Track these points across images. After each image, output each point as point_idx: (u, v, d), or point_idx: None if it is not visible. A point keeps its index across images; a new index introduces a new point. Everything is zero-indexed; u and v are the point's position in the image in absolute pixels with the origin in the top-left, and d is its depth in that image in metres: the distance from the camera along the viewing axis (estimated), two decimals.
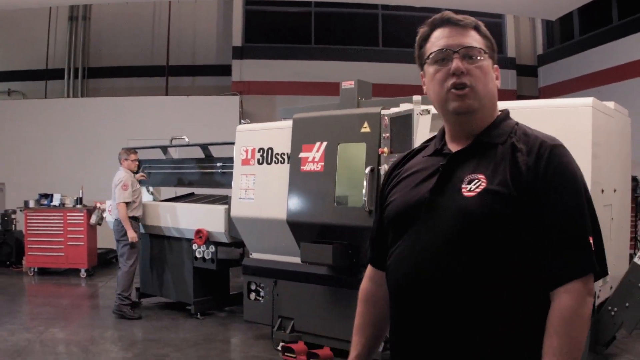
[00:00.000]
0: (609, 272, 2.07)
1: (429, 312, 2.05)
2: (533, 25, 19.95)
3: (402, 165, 2.36)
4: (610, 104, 6.44)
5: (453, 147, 2.21)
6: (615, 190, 6.28)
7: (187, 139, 10.57)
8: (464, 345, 2.00)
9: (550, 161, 2.03)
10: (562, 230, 1.99)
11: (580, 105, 5.67)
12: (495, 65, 2.22)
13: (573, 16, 17.52)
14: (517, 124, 2.20)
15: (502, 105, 2.32)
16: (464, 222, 2.03)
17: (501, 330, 1.98)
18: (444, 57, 2.13)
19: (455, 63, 2.09)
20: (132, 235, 9.25)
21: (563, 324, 1.93)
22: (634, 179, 14.07)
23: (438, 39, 2.16)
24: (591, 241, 2.00)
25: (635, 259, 6.32)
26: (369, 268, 2.48)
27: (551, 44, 19.62)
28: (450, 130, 2.23)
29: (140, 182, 10.33)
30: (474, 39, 2.15)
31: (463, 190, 2.06)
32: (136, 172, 10.01)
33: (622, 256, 6.62)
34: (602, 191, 5.60)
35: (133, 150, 9.96)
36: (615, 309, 6.27)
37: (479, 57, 2.12)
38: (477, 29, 2.17)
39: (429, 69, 2.17)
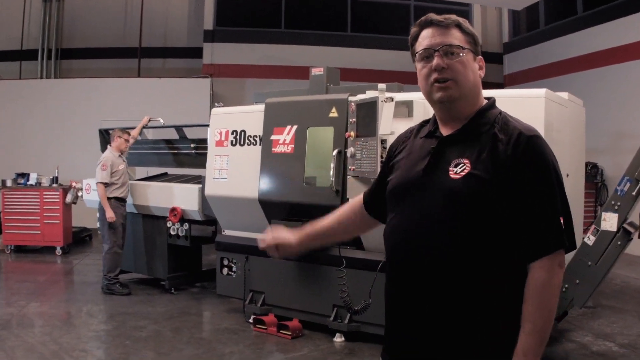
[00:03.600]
0: (576, 247, 2.39)
1: (417, 278, 2.35)
2: (500, 14, 20.17)
3: (403, 143, 2.64)
4: (564, 95, 6.73)
5: (444, 131, 2.47)
6: (567, 175, 6.61)
7: (162, 121, 10.66)
8: (448, 308, 2.28)
9: (526, 150, 2.28)
10: (535, 211, 2.26)
11: (534, 95, 6.01)
12: (479, 57, 2.47)
13: (539, 6, 17.82)
14: (500, 112, 2.45)
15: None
16: (449, 201, 2.30)
17: (480, 298, 2.26)
18: (427, 55, 2.40)
19: (436, 60, 2.37)
20: (109, 215, 9.24)
21: (536, 293, 2.23)
22: (594, 165, 14.60)
23: (423, 39, 2.43)
24: (562, 220, 2.28)
25: (585, 239, 6.62)
26: (361, 200, 2.86)
27: (517, 32, 19.89)
28: (439, 116, 2.50)
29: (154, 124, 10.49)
30: (455, 37, 2.39)
31: (450, 172, 2.32)
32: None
33: (575, 238, 6.89)
34: (567, 175, 5.93)
35: (128, 131, 9.96)
36: (567, 285, 6.49)
37: (459, 54, 2.38)
38: (459, 26, 2.42)
39: (418, 65, 2.45)
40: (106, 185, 9.38)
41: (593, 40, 15.47)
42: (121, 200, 9.59)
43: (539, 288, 2.24)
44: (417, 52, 2.46)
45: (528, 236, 2.27)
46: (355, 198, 2.89)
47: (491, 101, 2.52)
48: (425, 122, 2.63)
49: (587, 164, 13.76)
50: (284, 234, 2.89)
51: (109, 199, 9.37)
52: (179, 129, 10.46)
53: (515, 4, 17.28)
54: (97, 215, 9.65)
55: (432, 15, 2.46)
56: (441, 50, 2.38)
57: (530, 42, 18.60)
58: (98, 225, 9.78)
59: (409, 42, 2.52)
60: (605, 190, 14.69)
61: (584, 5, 16.31)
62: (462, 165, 2.32)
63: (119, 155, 9.69)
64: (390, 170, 2.63)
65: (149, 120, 10.60)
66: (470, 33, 2.46)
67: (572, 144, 6.88)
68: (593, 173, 14.72)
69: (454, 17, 2.45)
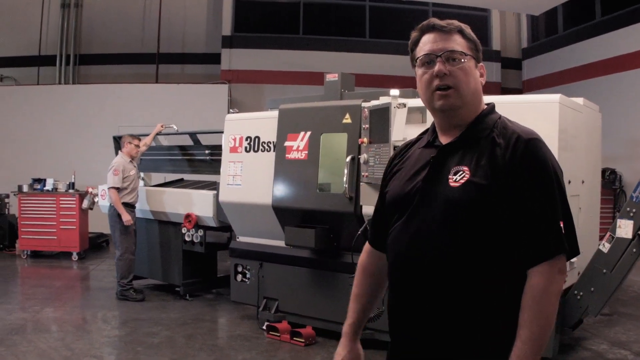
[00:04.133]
0: (580, 252, 2.32)
1: (419, 285, 2.33)
2: (518, 19, 20.10)
3: (401, 155, 2.61)
4: (580, 100, 6.68)
5: (443, 140, 2.44)
6: (583, 182, 6.52)
7: (175, 127, 10.67)
8: (448, 311, 2.26)
9: (524, 154, 2.24)
10: (534, 216, 2.22)
11: (548, 101, 5.96)
12: (480, 64, 2.45)
13: (557, 11, 17.76)
14: (499, 117, 2.42)
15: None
16: (450, 209, 2.28)
17: (480, 299, 2.24)
18: (429, 60, 2.37)
19: (438, 66, 2.33)
20: (126, 218, 9.25)
21: (534, 300, 2.18)
22: (612, 171, 14.48)
23: (425, 44, 2.39)
24: (562, 225, 2.24)
25: (600, 246, 6.56)
26: (368, 245, 2.76)
27: (535, 38, 19.81)
28: (439, 124, 2.47)
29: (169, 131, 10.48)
30: (457, 43, 2.37)
31: (450, 180, 2.30)
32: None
33: (590, 245, 6.78)
34: (569, 182, 5.88)
35: (138, 137, 9.97)
36: (581, 293, 6.45)
37: (461, 60, 2.35)
38: (461, 32, 2.40)
39: (418, 70, 2.41)
40: (118, 190, 9.39)
41: (612, 45, 15.36)
42: (131, 206, 9.59)
43: (537, 295, 2.20)
44: (417, 58, 2.42)
45: (527, 241, 2.23)
46: (360, 260, 2.80)
47: (490, 106, 2.49)
48: (423, 133, 2.60)
49: (605, 170, 13.67)
50: (349, 357, 2.73)
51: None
52: (193, 135, 10.45)
53: (533, 9, 17.22)
54: (108, 221, 9.65)
55: (435, 20, 2.43)
56: (443, 56, 2.35)
57: (548, 47, 18.50)
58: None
59: (409, 46, 2.48)
60: (623, 197, 14.55)
61: (603, 10, 16.20)
62: (461, 172, 2.31)
63: (130, 161, 9.69)
64: (387, 185, 2.60)
65: (163, 127, 10.59)
66: (472, 39, 2.43)
67: (587, 150, 6.84)
68: (611, 179, 14.60)
69: (456, 22, 2.43)
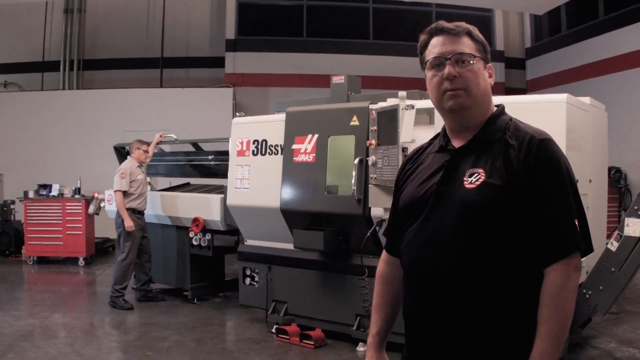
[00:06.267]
0: (594, 249, 2.34)
1: (435, 288, 2.33)
2: (521, 19, 20.11)
3: (413, 161, 2.62)
4: (586, 99, 6.68)
5: (456, 143, 2.45)
6: (590, 181, 6.50)
7: (174, 136, 10.64)
8: (467, 317, 2.28)
9: (537, 155, 2.26)
10: (550, 216, 2.23)
11: (555, 101, 5.95)
12: (489, 65, 2.46)
13: (560, 10, 17.77)
14: (510, 119, 2.43)
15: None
16: (466, 210, 2.29)
17: (499, 303, 2.25)
18: (438, 63, 2.38)
19: (448, 69, 2.35)
20: (128, 224, 9.22)
21: (552, 297, 2.20)
22: (617, 170, 14.47)
23: (434, 47, 2.40)
24: (576, 223, 2.25)
25: (608, 245, 6.56)
26: (384, 253, 2.75)
27: (539, 37, 19.80)
28: (450, 126, 2.48)
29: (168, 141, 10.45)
30: (466, 45, 2.38)
31: (465, 182, 2.32)
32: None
33: (598, 244, 6.81)
34: (577, 181, 5.87)
35: (147, 142, 9.95)
36: (590, 291, 6.45)
37: (470, 62, 2.36)
38: (469, 34, 2.41)
39: (428, 73, 2.43)
40: (124, 194, 9.36)
41: (615, 44, 15.36)
42: (138, 212, 9.56)
43: (555, 292, 2.21)
44: (427, 60, 2.44)
45: (543, 240, 2.24)
46: (379, 269, 2.78)
47: (500, 108, 2.50)
48: (434, 138, 2.62)
49: (610, 168, 13.64)
50: None
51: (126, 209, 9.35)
52: (194, 143, 10.45)
53: (536, 8, 17.25)
54: (115, 225, 9.63)
55: (443, 23, 2.44)
56: (453, 58, 2.36)
57: (552, 46, 18.51)
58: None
59: (418, 49, 2.50)
60: (629, 195, 14.57)
61: (606, 8, 16.19)
62: (476, 174, 2.32)
63: (139, 166, 9.66)
64: (401, 191, 2.61)
65: (162, 137, 10.56)
66: (481, 41, 2.44)
67: (594, 149, 6.83)
68: (617, 178, 14.59)
69: (464, 24, 2.44)
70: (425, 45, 2.46)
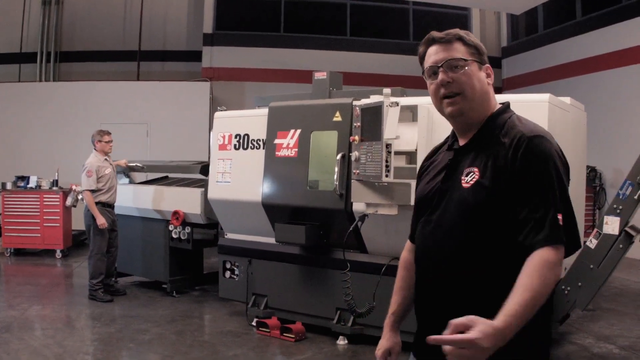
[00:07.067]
0: (581, 245, 2.40)
1: (439, 275, 2.49)
2: (498, 18, 20.19)
3: (429, 158, 2.80)
4: (567, 99, 6.80)
5: (461, 142, 2.58)
6: (569, 180, 6.65)
7: (141, 165, 10.45)
8: (463, 305, 2.32)
9: (524, 152, 2.32)
10: (531, 208, 2.27)
11: (538, 100, 6.05)
12: (486, 65, 2.55)
13: (537, 11, 17.93)
14: (510, 117, 2.50)
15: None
16: (461, 208, 2.43)
17: (495, 290, 2.28)
18: (433, 71, 2.50)
19: (440, 76, 2.47)
20: (101, 221, 9.16)
21: (533, 267, 2.17)
22: (592, 169, 14.65)
23: (429, 57, 2.52)
24: (560, 217, 2.26)
25: (587, 242, 6.66)
26: (408, 242, 2.90)
27: (515, 36, 19.95)
28: (455, 128, 2.62)
29: (133, 168, 10.34)
30: (458, 50, 2.48)
31: (462, 181, 2.45)
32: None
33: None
34: (569, 180, 5.95)
35: (107, 131, 9.74)
36: (569, 288, 6.55)
37: (464, 66, 2.46)
38: (460, 39, 2.50)
39: (427, 82, 2.55)
40: (93, 191, 9.28)
41: (592, 45, 15.52)
42: (108, 206, 9.48)
43: (537, 264, 2.19)
44: (424, 71, 2.56)
45: (528, 232, 2.27)
46: (402, 256, 2.93)
47: (503, 106, 2.58)
48: (448, 137, 2.74)
49: (586, 167, 13.81)
50: (387, 345, 2.84)
51: (95, 204, 9.27)
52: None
53: (514, 8, 17.39)
54: (84, 219, 9.57)
55: (434, 33, 2.55)
56: (444, 65, 2.47)
57: (528, 46, 18.65)
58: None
59: (419, 61, 2.61)
60: (603, 194, 14.76)
61: (583, 9, 16.35)
62: (472, 174, 2.43)
63: (105, 159, 9.53)
64: (417, 186, 2.80)
65: (126, 165, 10.34)
66: (474, 44, 2.53)
67: (574, 149, 6.91)
68: (592, 177, 14.76)
69: (454, 31, 2.53)
70: (423, 56, 2.57)
